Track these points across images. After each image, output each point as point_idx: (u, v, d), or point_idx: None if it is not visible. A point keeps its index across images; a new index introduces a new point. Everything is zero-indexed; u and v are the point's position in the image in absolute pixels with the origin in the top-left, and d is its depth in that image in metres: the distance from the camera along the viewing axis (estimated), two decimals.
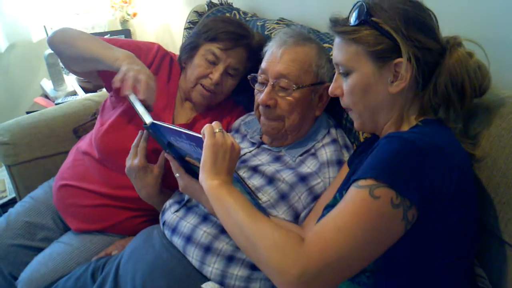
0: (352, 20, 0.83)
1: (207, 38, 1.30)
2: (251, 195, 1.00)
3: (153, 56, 1.39)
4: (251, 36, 1.33)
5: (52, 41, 1.35)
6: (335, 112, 1.24)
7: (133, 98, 1.15)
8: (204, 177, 0.84)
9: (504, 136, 0.81)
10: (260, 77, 1.16)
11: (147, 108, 1.13)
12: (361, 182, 0.71)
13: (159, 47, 1.43)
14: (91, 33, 1.73)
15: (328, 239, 0.67)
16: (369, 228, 0.68)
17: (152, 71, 1.28)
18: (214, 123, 0.90)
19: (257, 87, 1.19)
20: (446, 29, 0.87)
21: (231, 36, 1.29)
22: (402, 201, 0.68)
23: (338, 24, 0.86)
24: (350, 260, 0.68)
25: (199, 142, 0.90)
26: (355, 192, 0.71)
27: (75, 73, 1.43)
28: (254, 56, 1.32)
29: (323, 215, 0.88)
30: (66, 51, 1.33)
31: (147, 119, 1.08)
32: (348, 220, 0.68)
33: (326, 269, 0.66)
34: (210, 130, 0.87)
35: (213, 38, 1.29)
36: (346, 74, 0.86)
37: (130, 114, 1.30)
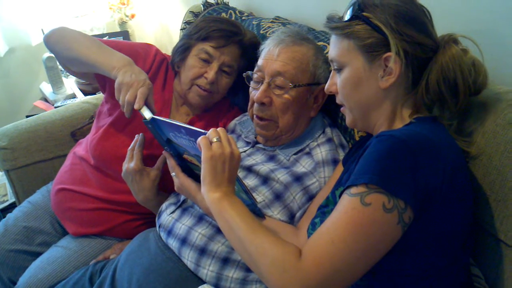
0: (346, 16, 0.84)
1: (199, 38, 1.29)
2: (247, 194, 0.99)
3: (151, 61, 1.37)
4: (243, 33, 1.32)
5: (49, 41, 1.32)
6: (330, 111, 1.23)
7: None
8: (206, 190, 0.84)
9: (499, 132, 0.80)
10: (256, 75, 1.15)
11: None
12: (353, 190, 0.70)
13: (157, 51, 1.41)
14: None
15: (323, 253, 0.68)
16: (362, 237, 0.67)
17: (150, 77, 1.24)
18: (211, 132, 0.86)
19: (252, 85, 1.18)
20: (440, 26, 0.86)
21: (223, 34, 1.28)
22: (396, 204, 0.67)
23: (333, 21, 0.87)
24: (348, 270, 0.68)
25: (198, 137, 0.89)
26: (347, 201, 0.70)
27: (72, 73, 1.41)
28: (247, 53, 1.32)
29: (316, 215, 0.88)
30: (62, 52, 1.31)
31: (147, 114, 1.08)
32: (341, 232, 0.68)
33: (325, 282, 0.67)
34: (205, 142, 0.84)
35: (205, 37, 1.28)
36: (340, 69, 0.87)
37: (124, 121, 1.29)
